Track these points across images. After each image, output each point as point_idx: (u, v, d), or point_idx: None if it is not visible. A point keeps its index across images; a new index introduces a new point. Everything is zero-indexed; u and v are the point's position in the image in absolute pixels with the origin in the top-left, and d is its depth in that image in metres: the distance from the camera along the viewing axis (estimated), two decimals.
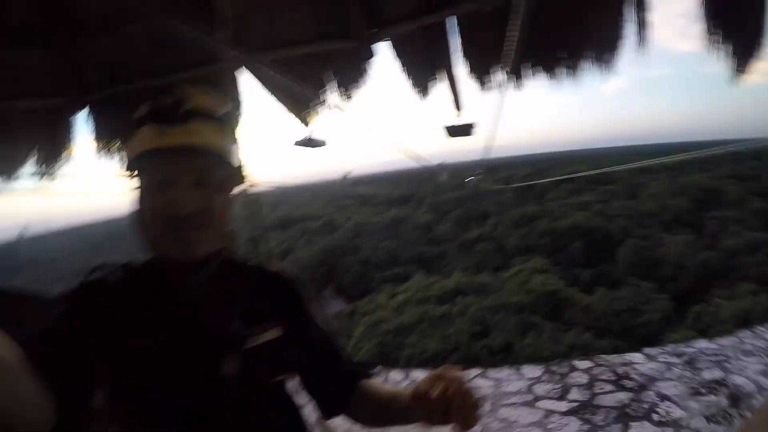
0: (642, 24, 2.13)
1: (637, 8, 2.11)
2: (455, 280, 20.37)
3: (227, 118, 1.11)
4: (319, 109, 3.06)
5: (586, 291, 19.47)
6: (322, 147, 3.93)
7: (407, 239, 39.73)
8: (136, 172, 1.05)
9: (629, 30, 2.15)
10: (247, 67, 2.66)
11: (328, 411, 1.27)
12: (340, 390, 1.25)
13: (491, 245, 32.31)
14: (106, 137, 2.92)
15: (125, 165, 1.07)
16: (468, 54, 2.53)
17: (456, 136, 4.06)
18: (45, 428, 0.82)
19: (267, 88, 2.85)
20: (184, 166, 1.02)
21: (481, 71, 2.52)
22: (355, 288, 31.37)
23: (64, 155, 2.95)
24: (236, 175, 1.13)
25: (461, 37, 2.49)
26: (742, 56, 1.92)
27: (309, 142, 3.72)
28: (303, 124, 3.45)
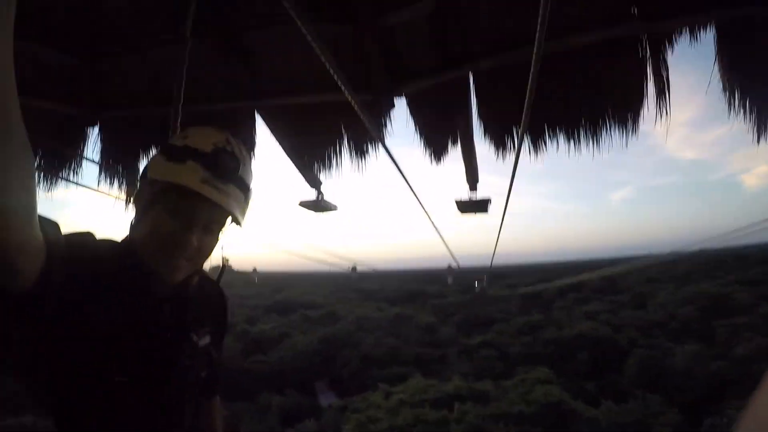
0: (662, 90, 2.11)
1: (655, 74, 2.10)
2: (454, 385, 19.43)
3: (251, 193, 1.27)
4: (330, 167, 3.01)
5: (592, 403, 18.49)
6: (332, 211, 3.76)
7: (408, 339, 38.68)
8: (158, 190, 1.15)
9: (649, 95, 2.13)
10: (260, 112, 2.65)
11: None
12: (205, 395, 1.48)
13: (494, 352, 31.29)
14: (111, 158, 2.86)
15: (150, 177, 1.18)
16: (483, 114, 2.51)
17: (469, 211, 3.87)
18: (37, 259, 0.87)
19: (278, 137, 2.81)
20: (206, 216, 1.16)
21: (495, 132, 2.49)
22: (350, 382, 30.20)
23: (67, 168, 2.87)
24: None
25: (477, 97, 2.47)
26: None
27: (317, 205, 3.57)
28: (312, 185, 3.37)
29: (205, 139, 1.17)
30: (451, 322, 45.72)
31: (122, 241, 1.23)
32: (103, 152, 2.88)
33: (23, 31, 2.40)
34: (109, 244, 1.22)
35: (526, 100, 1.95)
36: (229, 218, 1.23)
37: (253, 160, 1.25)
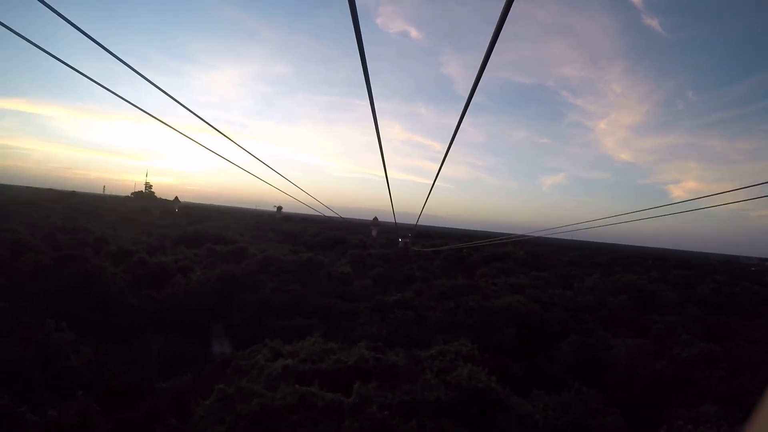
0: None
1: None
2: (358, 355, 15.24)
3: None
4: None
5: (520, 392, 15.04)
6: None
7: (318, 288, 34.43)
8: None
9: None
10: None
11: None
12: None
13: (410, 314, 27.52)
14: None
15: None
16: None
17: None
18: None
19: None
20: None
21: None
22: (243, 331, 25.81)
23: None
24: None
25: None
26: None
27: None
28: None
29: None
30: (368, 276, 41.80)
31: None
32: None
33: None
34: None
35: None
36: None
37: None
